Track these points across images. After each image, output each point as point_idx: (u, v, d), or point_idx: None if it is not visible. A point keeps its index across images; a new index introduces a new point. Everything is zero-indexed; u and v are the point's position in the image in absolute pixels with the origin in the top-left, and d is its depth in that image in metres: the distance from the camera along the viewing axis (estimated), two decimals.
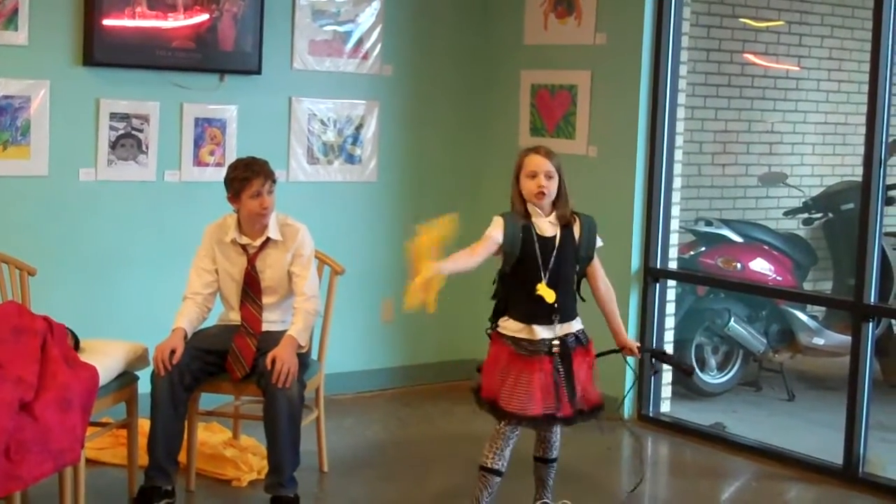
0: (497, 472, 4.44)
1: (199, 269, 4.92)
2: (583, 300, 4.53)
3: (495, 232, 4.39)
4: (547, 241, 4.39)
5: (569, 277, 4.45)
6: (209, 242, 4.93)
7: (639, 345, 4.61)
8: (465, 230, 4.42)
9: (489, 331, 4.54)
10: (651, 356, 4.56)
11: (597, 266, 4.54)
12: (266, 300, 4.90)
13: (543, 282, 4.35)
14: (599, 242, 4.52)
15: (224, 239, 4.90)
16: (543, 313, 4.36)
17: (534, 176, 4.37)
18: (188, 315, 4.83)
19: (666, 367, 4.62)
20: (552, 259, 4.38)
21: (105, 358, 4.54)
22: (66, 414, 3.98)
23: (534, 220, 4.40)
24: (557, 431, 4.62)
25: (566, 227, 4.43)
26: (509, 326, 4.42)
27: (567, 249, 4.41)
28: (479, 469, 4.47)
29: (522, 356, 4.35)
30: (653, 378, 6.23)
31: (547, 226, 4.41)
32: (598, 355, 4.59)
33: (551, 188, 4.37)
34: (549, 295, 4.34)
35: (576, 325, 4.47)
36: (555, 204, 4.42)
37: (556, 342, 4.36)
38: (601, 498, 5.01)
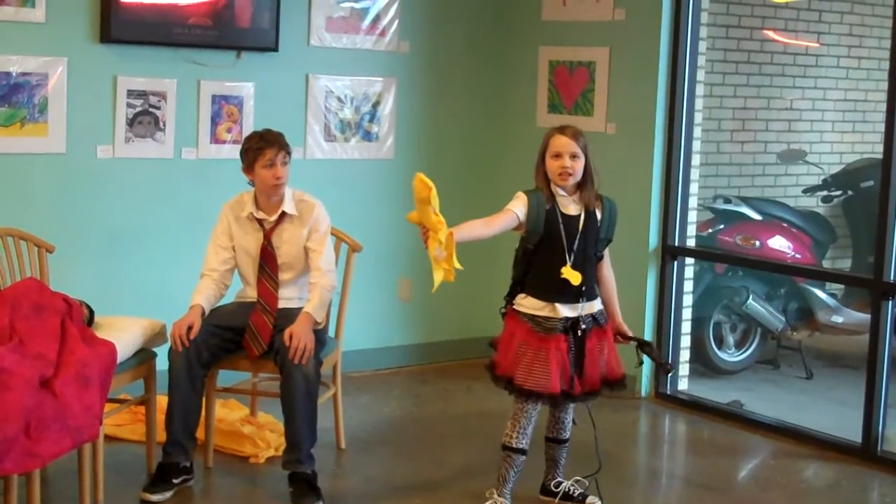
0: (522, 451, 4.44)
1: (217, 246, 4.93)
2: None
3: (518, 207, 4.34)
4: (571, 221, 4.36)
5: (592, 258, 4.44)
6: (226, 219, 4.94)
7: (631, 334, 4.58)
8: (483, 206, 4.41)
9: (503, 310, 4.53)
10: (637, 346, 4.55)
11: (605, 251, 4.53)
12: (282, 276, 4.90)
13: (569, 264, 4.34)
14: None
15: (241, 215, 4.90)
16: (569, 293, 4.35)
17: (558, 156, 4.32)
18: (205, 292, 4.84)
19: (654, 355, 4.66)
20: (577, 240, 4.36)
21: (123, 334, 4.56)
22: (84, 390, 4.00)
23: (558, 200, 4.36)
24: (570, 412, 4.62)
25: (589, 209, 4.40)
26: (527, 304, 4.40)
27: (591, 230, 4.40)
28: (502, 449, 4.46)
29: (539, 333, 4.34)
30: (671, 355, 6.25)
31: (571, 206, 4.38)
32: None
33: (576, 169, 4.33)
34: (574, 277, 4.32)
35: (597, 305, 4.47)
36: (580, 186, 4.39)
37: (576, 321, 4.35)
38: (615, 475, 5.00)
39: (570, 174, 4.31)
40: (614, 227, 4.50)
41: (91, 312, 4.62)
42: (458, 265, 4.01)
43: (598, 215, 4.42)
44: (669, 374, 5.84)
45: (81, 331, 4.23)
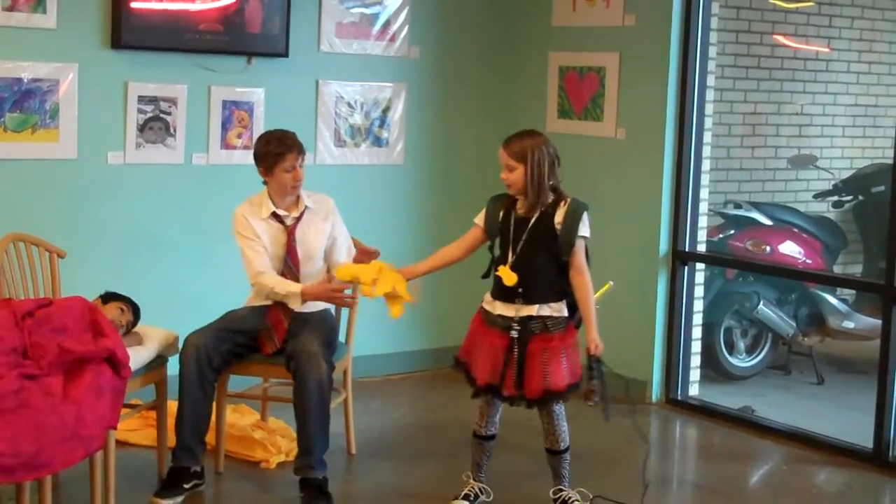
0: (489, 437, 4.62)
1: (255, 250, 4.88)
2: None
3: (479, 218, 4.61)
4: (520, 223, 4.47)
5: (538, 261, 4.43)
6: (246, 221, 4.91)
7: (592, 351, 4.38)
8: None
9: None
10: (590, 364, 4.42)
11: (576, 253, 4.42)
12: (303, 270, 4.92)
13: (507, 264, 4.44)
14: (585, 231, 4.42)
15: (261, 215, 4.91)
16: (506, 293, 4.46)
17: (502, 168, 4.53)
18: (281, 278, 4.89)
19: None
20: (521, 242, 4.44)
21: (139, 345, 4.61)
22: (98, 400, 3.98)
23: (518, 202, 4.50)
24: (558, 422, 4.56)
25: (545, 211, 4.44)
26: (485, 298, 4.57)
27: (540, 233, 4.43)
28: (472, 437, 4.64)
29: (484, 324, 4.52)
30: (681, 361, 6.26)
31: (526, 209, 4.48)
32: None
33: (512, 180, 4.46)
34: (508, 278, 4.41)
35: (545, 310, 4.43)
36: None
37: (515, 323, 4.42)
38: (624, 483, 4.98)
39: (507, 185, 4.49)
40: (576, 230, 4.39)
41: (136, 316, 4.77)
42: (409, 298, 4.61)
43: (558, 218, 4.42)
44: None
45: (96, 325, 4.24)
